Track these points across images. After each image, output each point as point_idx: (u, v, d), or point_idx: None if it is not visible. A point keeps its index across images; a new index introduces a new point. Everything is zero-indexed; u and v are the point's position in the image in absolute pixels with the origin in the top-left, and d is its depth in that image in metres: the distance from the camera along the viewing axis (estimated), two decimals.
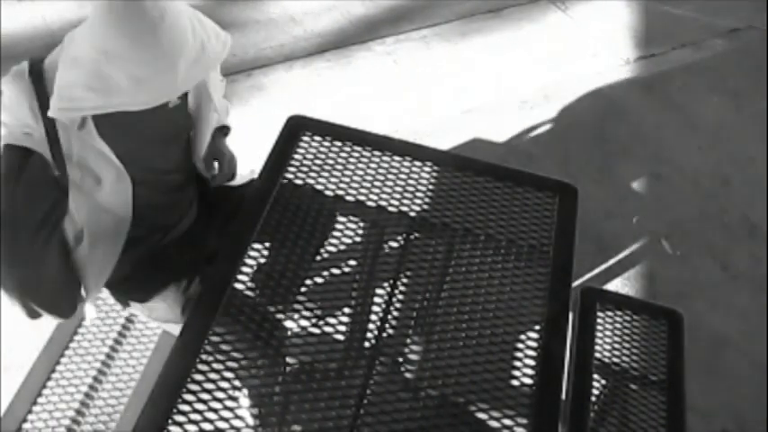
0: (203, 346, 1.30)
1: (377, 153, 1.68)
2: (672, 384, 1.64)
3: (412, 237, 1.54)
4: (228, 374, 1.28)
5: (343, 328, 1.37)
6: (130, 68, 1.08)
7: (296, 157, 1.64)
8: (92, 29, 1.10)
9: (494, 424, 1.26)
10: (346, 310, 1.41)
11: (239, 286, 1.40)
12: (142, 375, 1.57)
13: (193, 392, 1.24)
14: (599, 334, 1.71)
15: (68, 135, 1.22)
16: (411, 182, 1.62)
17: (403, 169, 1.65)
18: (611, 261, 2.53)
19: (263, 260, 1.44)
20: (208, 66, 1.16)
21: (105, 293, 1.55)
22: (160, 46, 1.08)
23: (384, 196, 1.58)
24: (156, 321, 1.63)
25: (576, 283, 1.52)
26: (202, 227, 1.59)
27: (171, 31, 1.08)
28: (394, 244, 1.53)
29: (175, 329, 1.52)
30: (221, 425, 1.21)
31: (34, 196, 1.23)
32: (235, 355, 1.30)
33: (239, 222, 1.48)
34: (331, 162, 1.64)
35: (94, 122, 1.24)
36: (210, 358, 1.28)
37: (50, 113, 1.13)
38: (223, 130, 1.63)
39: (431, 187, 1.59)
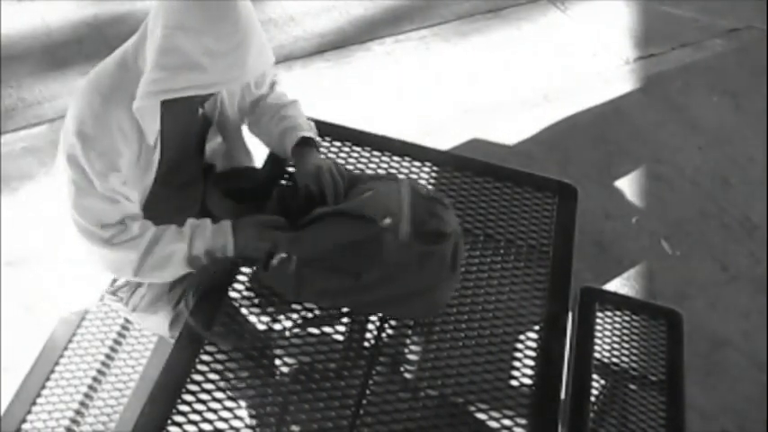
0: (203, 346, 1.30)
1: (377, 153, 1.67)
2: (671, 384, 1.64)
3: None
4: (228, 375, 1.28)
5: (342, 328, 1.37)
6: (207, 42, 1.10)
7: None
8: (165, 7, 1.12)
9: (493, 424, 1.26)
10: (346, 309, 1.41)
11: (239, 286, 1.40)
12: (142, 375, 1.57)
13: (193, 393, 1.23)
14: (599, 334, 1.71)
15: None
16: None
17: (403, 169, 1.64)
18: (611, 261, 2.53)
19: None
20: (267, 59, 1.20)
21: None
22: (238, 20, 1.11)
23: None
24: (148, 331, 1.64)
25: (575, 284, 1.52)
26: None
27: (245, 8, 1.12)
28: None
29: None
30: (220, 425, 1.21)
31: None
32: (233, 355, 1.30)
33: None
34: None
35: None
36: (210, 359, 1.28)
37: (134, 107, 1.19)
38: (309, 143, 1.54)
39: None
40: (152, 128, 1.28)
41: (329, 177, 1.40)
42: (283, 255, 1.29)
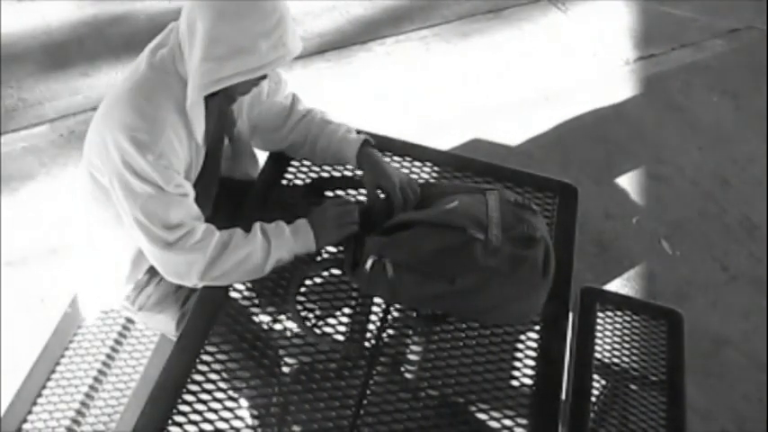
0: (203, 346, 1.30)
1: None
2: (672, 384, 1.64)
3: None
4: (229, 375, 1.28)
5: (343, 328, 1.37)
6: (248, 25, 1.13)
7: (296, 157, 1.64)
8: (199, 3, 1.15)
9: (494, 424, 1.26)
10: (346, 310, 1.41)
11: (239, 287, 1.40)
12: (142, 376, 1.57)
13: (193, 393, 1.23)
14: (599, 334, 1.71)
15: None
16: None
17: (403, 169, 1.64)
18: (612, 261, 2.53)
19: None
20: (298, 44, 1.22)
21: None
22: (272, 12, 1.14)
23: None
24: (152, 330, 1.64)
25: (575, 284, 1.52)
26: None
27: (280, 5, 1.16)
28: None
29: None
30: (221, 425, 1.21)
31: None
32: (234, 355, 1.30)
33: (240, 222, 1.47)
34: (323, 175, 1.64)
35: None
36: (210, 358, 1.28)
37: (188, 104, 1.22)
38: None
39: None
40: (200, 126, 1.29)
41: (401, 197, 1.45)
42: (375, 258, 1.31)
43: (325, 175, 1.62)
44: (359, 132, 1.55)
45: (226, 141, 1.54)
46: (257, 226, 1.35)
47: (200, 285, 1.33)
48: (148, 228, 1.25)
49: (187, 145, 1.29)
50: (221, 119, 1.41)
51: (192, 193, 1.31)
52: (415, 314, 1.41)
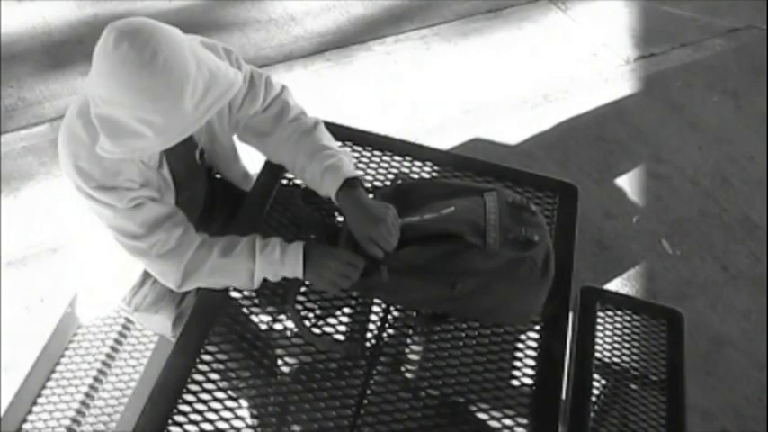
0: (203, 346, 1.30)
1: (377, 153, 1.67)
2: (672, 384, 1.64)
3: None
4: (229, 374, 1.28)
5: (343, 328, 1.37)
6: (137, 113, 1.06)
7: None
8: (91, 80, 1.09)
9: (494, 424, 1.26)
10: (346, 310, 1.41)
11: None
12: (142, 375, 1.57)
13: (193, 393, 1.23)
14: (599, 334, 1.71)
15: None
16: None
17: (403, 169, 1.64)
18: (612, 261, 2.53)
19: None
20: (220, 95, 1.10)
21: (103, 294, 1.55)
22: (156, 88, 1.03)
23: None
24: (150, 331, 1.64)
25: (576, 284, 1.52)
26: (203, 227, 1.59)
27: (167, 68, 1.03)
28: None
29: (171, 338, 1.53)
30: (221, 425, 1.21)
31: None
32: (234, 355, 1.30)
33: (240, 222, 1.47)
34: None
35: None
36: (211, 358, 1.28)
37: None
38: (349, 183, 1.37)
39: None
40: (145, 156, 1.25)
41: (370, 252, 1.31)
42: (369, 263, 1.30)
43: None
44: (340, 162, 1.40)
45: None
46: (246, 241, 1.32)
47: (183, 290, 1.34)
48: (121, 240, 1.26)
49: (138, 163, 1.25)
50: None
51: (153, 195, 1.28)
52: (415, 314, 1.41)
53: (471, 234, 1.31)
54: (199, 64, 1.08)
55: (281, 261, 1.30)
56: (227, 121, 1.43)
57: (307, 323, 1.35)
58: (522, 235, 1.34)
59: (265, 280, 1.33)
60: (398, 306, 1.41)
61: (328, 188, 1.37)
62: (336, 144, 1.46)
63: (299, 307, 1.37)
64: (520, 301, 1.34)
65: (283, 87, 1.48)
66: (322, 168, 1.38)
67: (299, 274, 1.31)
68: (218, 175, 1.65)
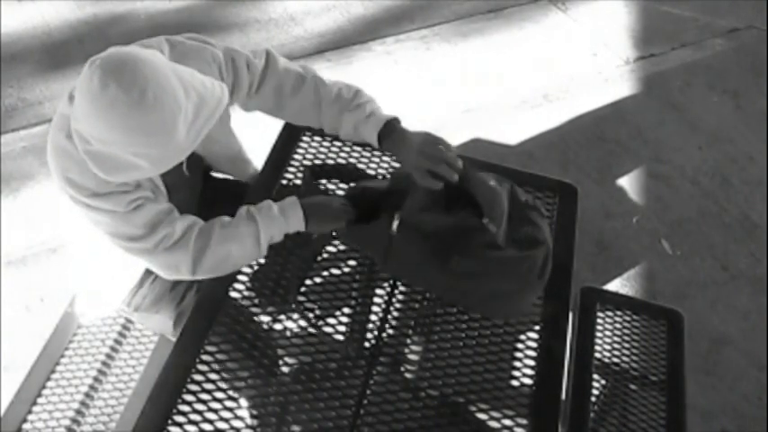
0: (203, 346, 1.30)
1: (377, 153, 1.68)
2: (672, 384, 1.64)
3: None
4: (229, 375, 1.28)
5: (343, 328, 1.37)
6: (131, 149, 1.05)
7: (296, 157, 1.64)
8: (78, 119, 1.07)
9: (494, 424, 1.26)
10: (346, 310, 1.41)
11: (239, 287, 1.40)
12: (142, 376, 1.57)
13: (193, 393, 1.24)
14: (599, 334, 1.71)
15: None
16: None
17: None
18: (612, 261, 2.53)
19: (263, 261, 1.43)
20: (210, 114, 1.10)
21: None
22: (149, 125, 1.02)
23: None
24: (151, 331, 1.64)
25: (575, 284, 1.52)
26: None
27: (157, 104, 1.01)
28: None
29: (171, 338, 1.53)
30: (221, 425, 1.21)
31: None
32: (234, 355, 1.30)
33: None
34: (331, 162, 1.64)
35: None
36: (211, 358, 1.28)
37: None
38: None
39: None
40: None
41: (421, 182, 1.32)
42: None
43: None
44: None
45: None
46: (242, 209, 1.34)
47: (198, 278, 1.32)
48: (122, 244, 1.25)
49: None
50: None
51: (148, 194, 1.27)
52: (416, 305, 1.41)
53: (489, 214, 1.31)
54: (186, 89, 1.06)
55: (281, 215, 1.32)
56: (219, 122, 1.43)
57: (303, 318, 1.36)
58: (529, 233, 1.35)
59: (271, 247, 1.33)
60: (396, 304, 1.41)
61: (370, 139, 1.41)
62: (343, 85, 1.50)
63: (300, 307, 1.37)
64: (512, 298, 1.35)
65: (267, 57, 1.41)
66: (354, 123, 1.42)
67: (302, 225, 1.34)
68: (218, 175, 1.66)
